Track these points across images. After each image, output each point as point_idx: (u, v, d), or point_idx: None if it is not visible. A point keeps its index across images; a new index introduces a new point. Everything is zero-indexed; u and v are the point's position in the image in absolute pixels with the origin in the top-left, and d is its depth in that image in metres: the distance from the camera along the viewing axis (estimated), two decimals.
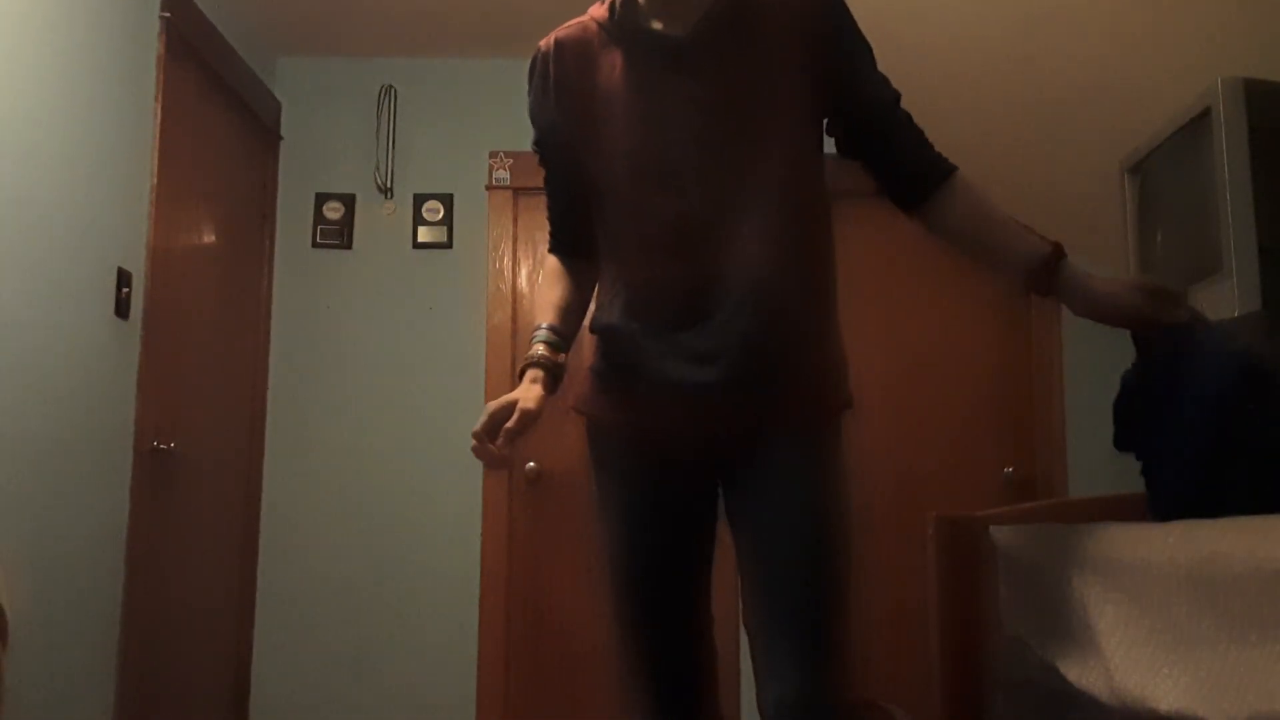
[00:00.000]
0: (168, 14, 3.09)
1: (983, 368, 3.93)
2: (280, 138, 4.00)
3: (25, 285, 2.46)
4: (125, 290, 2.87)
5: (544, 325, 1.77)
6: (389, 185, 4.00)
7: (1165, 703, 1.62)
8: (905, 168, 1.71)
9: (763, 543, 1.64)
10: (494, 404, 1.64)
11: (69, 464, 2.63)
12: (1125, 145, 2.75)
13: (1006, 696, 2.17)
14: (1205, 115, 2.35)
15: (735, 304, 1.61)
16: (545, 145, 1.80)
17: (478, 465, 3.88)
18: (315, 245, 3.98)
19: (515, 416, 1.62)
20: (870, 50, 1.73)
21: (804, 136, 1.68)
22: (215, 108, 3.53)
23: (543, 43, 1.77)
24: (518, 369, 1.75)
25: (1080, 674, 1.86)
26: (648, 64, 1.67)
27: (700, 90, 1.64)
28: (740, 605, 1.69)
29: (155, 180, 3.04)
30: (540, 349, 1.73)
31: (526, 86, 1.79)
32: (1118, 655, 1.76)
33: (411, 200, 4.00)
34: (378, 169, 4.00)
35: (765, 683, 1.61)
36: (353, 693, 3.74)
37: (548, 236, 1.91)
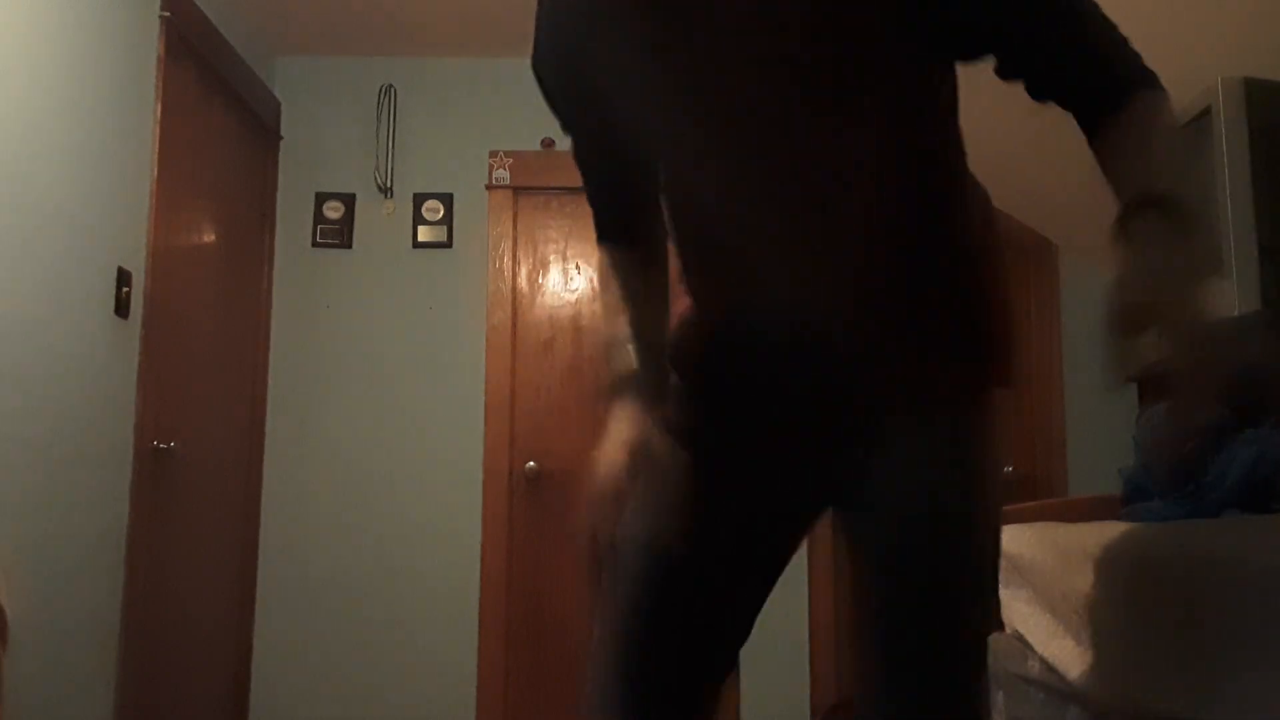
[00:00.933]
0: (168, 14, 3.09)
1: None
2: (280, 137, 4.00)
3: (26, 285, 2.46)
4: (125, 289, 2.87)
5: (622, 334, 1.38)
6: (389, 185, 4.00)
7: (1164, 703, 1.62)
8: (1072, 91, 1.25)
9: (893, 560, 1.28)
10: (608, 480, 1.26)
11: (69, 463, 2.63)
12: None
13: (1007, 695, 2.17)
14: (1205, 114, 2.35)
15: (834, 276, 1.26)
16: (569, 98, 1.39)
17: (478, 464, 3.91)
18: (315, 245, 3.98)
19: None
20: None
21: (912, 61, 1.24)
22: (215, 107, 3.53)
23: None
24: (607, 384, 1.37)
25: (1080, 673, 1.86)
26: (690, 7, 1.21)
27: (770, 17, 1.18)
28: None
29: (155, 180, 3.04)
30: (625, 358, 1.36)
31: (536, 33, 1.38)
32: (1117, 655, 1.76)
33: (411, 200, 4.00)
34: (377, 168, 4.00)
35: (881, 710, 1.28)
36: (353, 692, 3.73)
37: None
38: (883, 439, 1.28)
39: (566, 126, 1.42)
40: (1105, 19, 1.24)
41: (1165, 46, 2.63)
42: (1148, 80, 1.23)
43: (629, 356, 1.36)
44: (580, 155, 1.44)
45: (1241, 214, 2.26)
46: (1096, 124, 1.24)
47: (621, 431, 1.30)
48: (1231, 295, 2.23)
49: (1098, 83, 1.23)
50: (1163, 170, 1.19)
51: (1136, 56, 1.24)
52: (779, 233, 1.27)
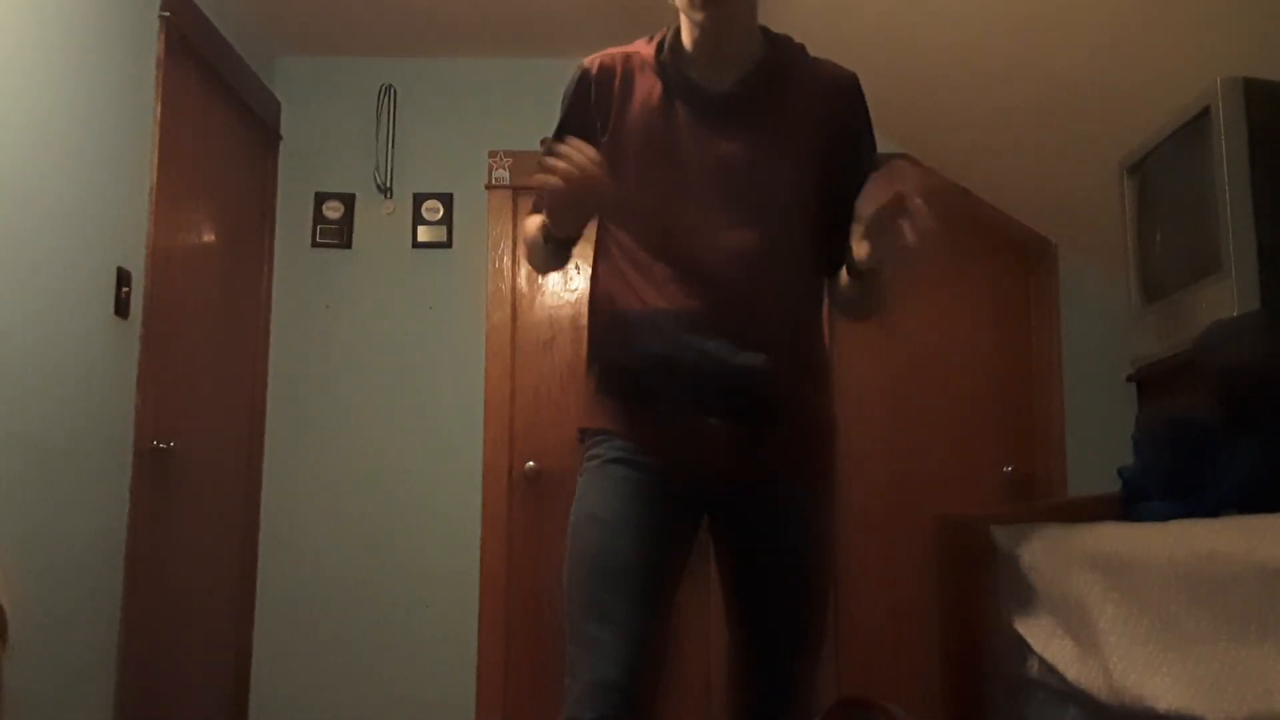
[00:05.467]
0: (167, 13, 3.09)
1: (982, 367, 3.93)
2: (280, 137, 4.00)
3: (25, 285, 2.46)
4: (125, 290, 2.87)
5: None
6: (388, 185, 4.00)
7: (1164, 701, 1.62)
8: (837, 254, 1.79)
9: (764, 586, 1.77)
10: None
11: (69, 463, 2.63)
12: (1125, 145, 2.75)
13: (1007, 695, 2.17)
14: (1204, 114, 2.35)
15: (748, 358, 1.71)
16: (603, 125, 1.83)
17: (477, 464, 3.91)
18: (315, 245, 3.97)
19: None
20: (874, 148, 1.84)
21: (814, 207, 1.77)
22: (215, 107, 3.53)
23: (589, 63, 1.85)
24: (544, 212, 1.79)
25: (1080, 673, 1.87)
26: (686, 111, 1.76)
27: (729, 148, 1.75)
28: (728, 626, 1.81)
29: (155, 180, 3.04)
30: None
31: (569, 92, 1.86)
32: (1117, 654, 1.77)
33: (411, 200, 4.00)
34: (377, 168, 4.00)
35: (746, 701, 1.79)
36: (352, 692, 3.73)
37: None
38: (764, 486, 1.74)
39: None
40: None
41: (1165, 46, 2.64)
42: None
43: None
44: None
45: (1240, 214, 2.26)
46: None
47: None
48: (1231, 296, 2.23)
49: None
50: None
51: None
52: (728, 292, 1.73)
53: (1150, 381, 2.70)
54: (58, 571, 2.57)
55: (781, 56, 1.80)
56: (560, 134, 1.83)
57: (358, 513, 3.83)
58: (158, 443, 3.03)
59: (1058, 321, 3.87)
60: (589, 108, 1.82)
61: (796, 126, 1.77)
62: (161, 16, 3.08)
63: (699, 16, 1.73)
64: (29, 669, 2.38)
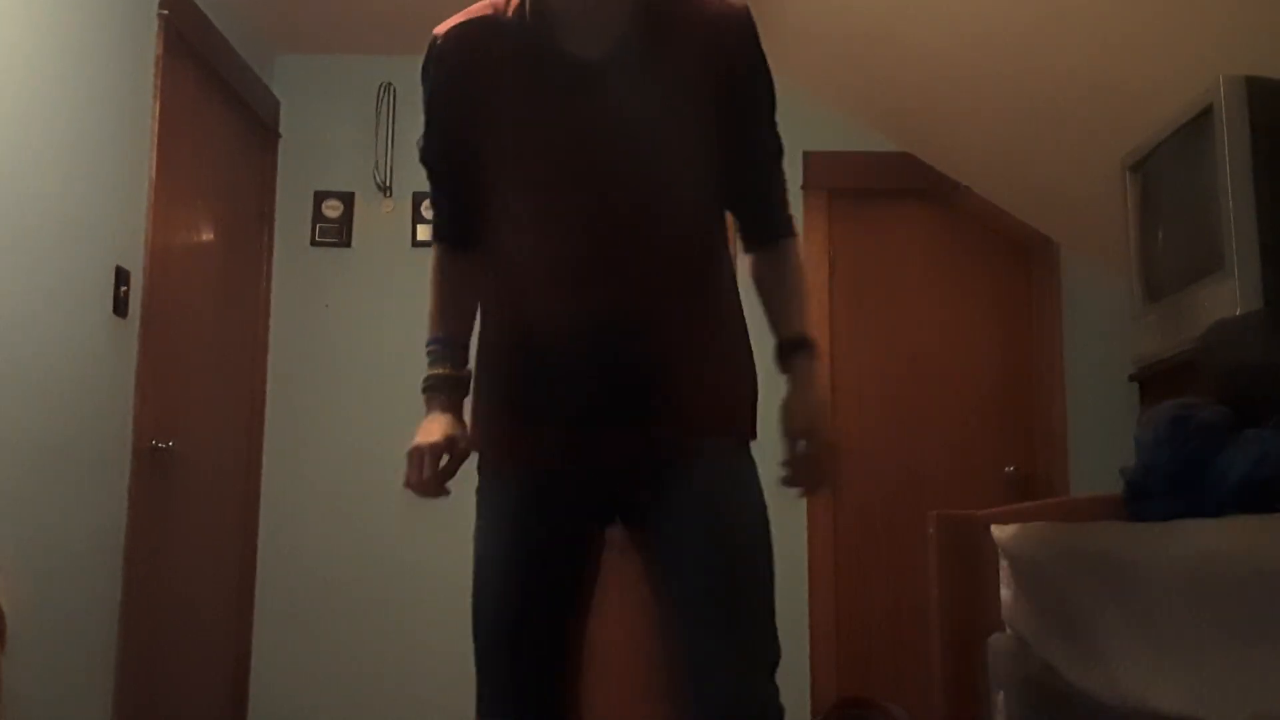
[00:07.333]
0: (166, 11, 3.08)
1: (984, 366, 3.93)
2: (279, 136, 4.00)
3: (24, 284, 2.45)
4: (124, 289, 2.87)
5: (440, 339, 1.83)
6: (388, 183, 3.99)
7: (1165, 703, 1.61)
8: (754, 218, 1.75)
9: (680, 575, 1.58)
10: (431, 447, 1.69)
11: (67, 463, 2.62)
12: (1127, 142, 2.75)
13: (1007, 696, 2.17)
14: (1207, 112, 2.34)
15: (625, 337, 1.60)
16: (443, 135, 1.80)
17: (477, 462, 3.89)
18: (314, 243, 3.97)
19: (456, 463, 1.72)
20: (774, 97, 1.70)
21: (706, 170, 1.66)
22: (214, 106, 3.52)
23: (442, 31, 1.74)
24: (422, 385, 1.82)
25: (1081, 674, 1.86)
26: (556, 84, 1.62)
27: (607, 119, 1.61)
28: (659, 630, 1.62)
29: (154, 178, 3.03)
30: (443, 369, 1.81)
31: (427, 74, 1.79)
32: (1118, 655, 1.76)
33: (410, 198, 3.99)
34: (377, 167, 3.99)
35: (698, 695, 1.53)
36: (352, 693, 3.73)
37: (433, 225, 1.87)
38: (666, 466, 1.60)
39: (439, 148, 1.82)
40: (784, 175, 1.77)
41: (1167, 44, 2.63)
42: (793, 229, 1.77)
43: (443, 359, 1.81)
44: (444, 175, 1.84)
45: (1243, 212, 2.26)
46: (760, 245, 1.74)
47: (435, 423, 1.74)
48: (1233, 294, 2.22)
49: (776, 218, 1.75)
50: (806, 314, 1.72)
51: (788, 206, 1.78)
52: (602, 274, 1.61)
53: (1152, 381, 2.70)
54: (57, 571, 2.57)
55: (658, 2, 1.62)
56: (429, 127, 1.82)
57: (357, 512, 3.82)
58: (157, 442, 3.03)
59: (1060, 320, 3.87)
60: (451, 94, 1.75)
61: (683, 83, 1.62)
62: (160, 15, 3.08)
63: None
64: (29, 669, 2.38)
